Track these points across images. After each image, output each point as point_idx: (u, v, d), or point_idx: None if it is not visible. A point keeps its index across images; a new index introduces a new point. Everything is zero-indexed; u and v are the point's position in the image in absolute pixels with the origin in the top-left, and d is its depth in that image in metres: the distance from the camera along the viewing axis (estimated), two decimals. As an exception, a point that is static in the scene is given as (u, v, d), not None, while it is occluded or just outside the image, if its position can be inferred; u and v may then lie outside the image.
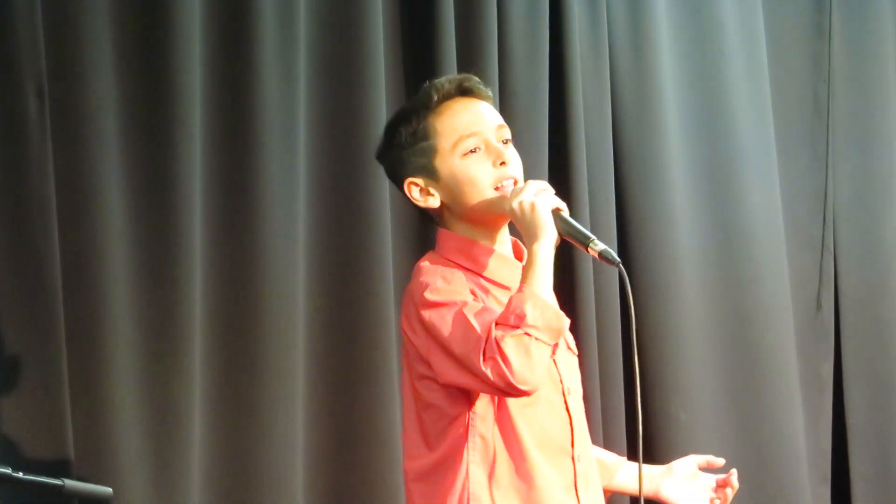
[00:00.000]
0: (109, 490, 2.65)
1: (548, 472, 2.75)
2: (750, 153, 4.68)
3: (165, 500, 3.49)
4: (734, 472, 2.98)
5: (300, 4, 3.79)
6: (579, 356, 2.93)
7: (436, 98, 2.81)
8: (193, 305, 3.55)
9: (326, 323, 3.81)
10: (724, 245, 4.62)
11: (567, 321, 2.75)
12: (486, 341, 2.61)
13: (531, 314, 2.62)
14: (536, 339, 2.61)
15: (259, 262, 3.68)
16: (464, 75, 2.88)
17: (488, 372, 2.60)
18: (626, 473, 3.01)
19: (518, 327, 2.61)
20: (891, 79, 4.97)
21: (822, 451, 4.79)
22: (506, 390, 2.63)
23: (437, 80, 2.84)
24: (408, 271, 3.95)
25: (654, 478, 2.98)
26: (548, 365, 2.71)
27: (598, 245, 2.70)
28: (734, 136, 4.66)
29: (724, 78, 4.66)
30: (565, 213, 2.72)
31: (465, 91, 2.84)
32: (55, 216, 3.36)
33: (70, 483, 2.60)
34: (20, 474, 2.55)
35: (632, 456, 2.98)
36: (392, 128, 2.86)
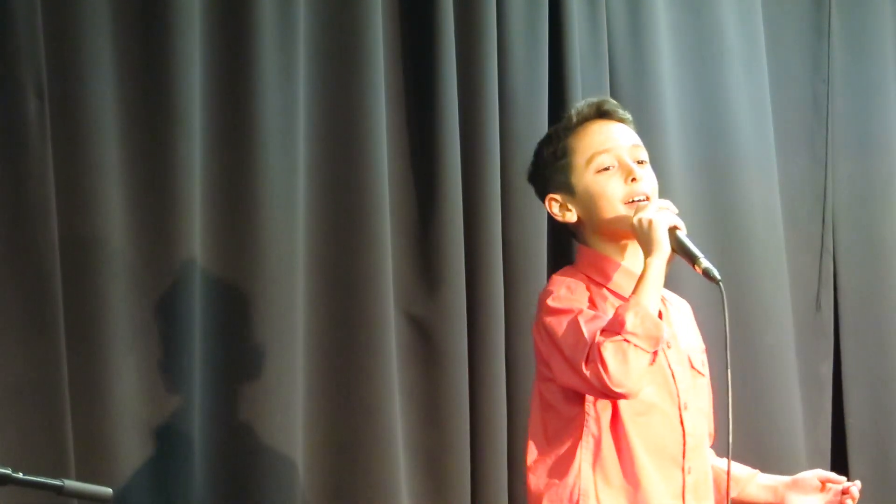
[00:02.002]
0: (109, 490, 2.65)
1: (655, 477, 2.93)
2: (749, 153, 4.68)
3: (165, 500, 3.50)
4: (857, 483, 3.14)
5: (300, 4, 3.79)
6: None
7: (575, 120, 3.03)
8: (193, 305, 3.55)
9: (326, 323, 3.81)
10: (723, 245, 4.62)
11: (697, 346, 3.01)
12: (591, 346, 2.81)
13: (631, 322, 2.80)
14: (635, 345, 2.79)
15: (259, 261, 3.68)
16: (603, 98, 3.11)
17: (589, 374, 2.80)
18: (755, 485, 3.20)
19: (619, 333, 2.79)
20: (891, 79, 4.96)
21: (821, 451, 4.78)
22: (604, 392, 2.83)
23: (578, 103, 3.08)
24: (407, 271, 3.98)
25: (779, 489, 3.18)
26: (663, 377, 2.94)
27: (704, 263, 2.91)
28: (734, 137, 4.66)
29: (724, 78, 4.66)
30: (682, 231, 2.93)
31: (602, 113, 3.05)
32: (55, 216, 3.36)
33: (70, 483, 2.60)
34: (20, 474, 2.54)
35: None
36: (538, 150, 3.08)
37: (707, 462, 3.06)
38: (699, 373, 3.07)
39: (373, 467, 3.80)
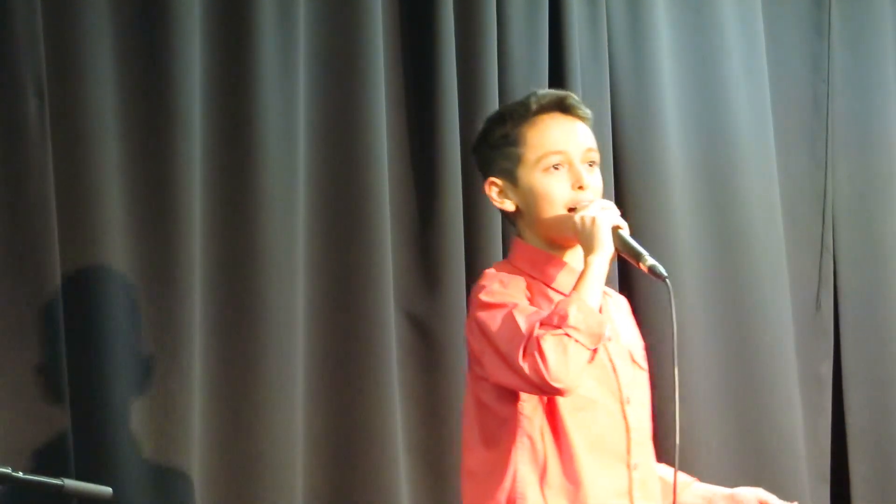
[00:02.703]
0: (109, 490, 2.65)
1: (598, 475, 2.83)
2: (749, 153, 4.68)
3: (165, 500, 3.50)
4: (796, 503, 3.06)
5: (300, 4, 3.79)
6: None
7: (534, 108, 2.90)
8: (193, 305, 3.55)
9: (326, 323, 3.81)
10: (723, 245, 4.62)
11: (636, 342, 2.90)
12: (528, 339, 2.70)
13: (574, 316, 2.70)
14: (576, 340, 2.70)
15: (259, 261, 3.68)
16: (567, 92, 2.98)
17: (525, 368, 2.69)
18: (690, 493, 3.06)
19: (559, 327, 2.70)
20: (891, 79, 4.96)
21: (821, 450, 4.79)
22: (541, 387, 2.71)
23: (540, 91, 2.95)
24: (407, 271, 3.98)
25: (715, 500, 3.06)
26: (604, 371, 2.84)
27: (649, 260, 2.81)
28: (734, 136, 4.66)
29: (724, 78, 4.66)
30: (624, 231, 2.84)
31: (564, 108, 2.92)
32: (55, 216, 3.36)
33: (70, 483, 2.60)
34: (20, 474, 2.54)
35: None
36: (488, 124, 2.96)
37: (653, 459, 2.96)
38: (640, 367, 2.97)
39: (373, 467, 3.80)
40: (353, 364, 3.82)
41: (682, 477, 3.06)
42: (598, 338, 2.73)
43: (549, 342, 2.68)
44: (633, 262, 2.84)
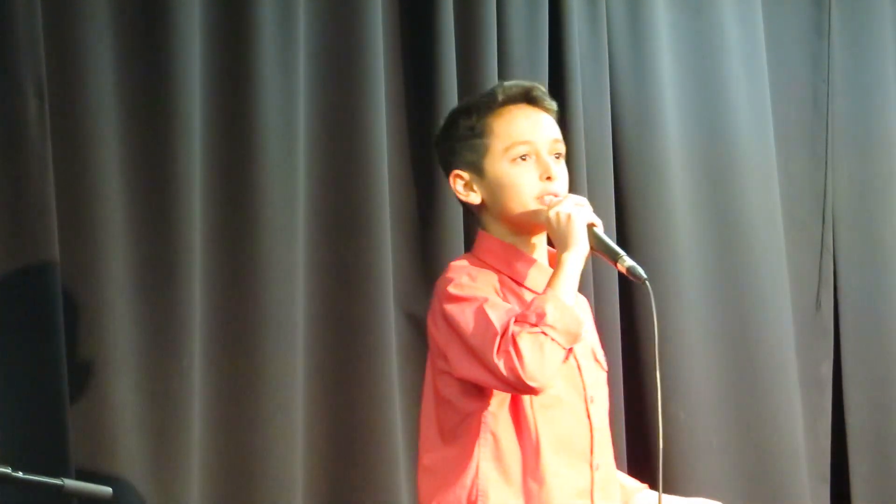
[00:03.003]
0: (109, 490, 2.65)
1: (562, 474, 2.80)
2: (750, 153, 4.69)
3: (165, 499, 3.50)
4: None
5: (300, 4, 3.79)
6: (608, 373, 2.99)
7: (500, 99, 2.88)
8: (193, 305, 3.55)
9: (326, 322, 3.81)
10: (723, 245, 4.62)
11: (596, 341, 2.87)
12: (503, 336, 2.66)
13: (551, 314, 2.67)
14: (552, 339, 2.67)
15: (259, 261, 3.68)
16: (533, 84, 2.95)
17: (500, 365, 2.65)
18: (643, 498, 3.02)
19: (536, 325, 2.66)
20: (891, 79, 4.97)
21: (821, 450, 4.79)
22: (515, 385, 2.67)
23: (506, 83, 2.93)
24: (407, 271, 3.98)
25: None
26: (569, 369, 2.80)
27: (627, 261, 2.76)
28: (734, 136, 4.66)
29: (724, 78, 4.66)
30: (599, 228, 2.80)
31: (530, 99, 2.90)
32: (55, 216, 3.36)
33: (70, 483, 2.60)
34: (20, 474, 2.54)
35: (647, 477, 3.00)
36: (452, 117, 2.93)
37: (613, 460, 2.94)
38: (602, 367, 2.95)
39: (373, 467, 3.80)
40: (353, 364, 3.82)
41: (633, 483, 3.05)
42: (574, 337, 2.71)
43: (526, 340, 2.65)
44: (609, 261, 2.80)
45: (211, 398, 3.60)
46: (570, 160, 4.22)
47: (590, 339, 2.93)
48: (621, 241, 4.37)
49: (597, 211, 4.26)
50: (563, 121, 4.23)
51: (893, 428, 4.87)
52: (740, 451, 4.55)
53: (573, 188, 4.17)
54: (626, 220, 4.42)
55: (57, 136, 3.39)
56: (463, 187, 2.88)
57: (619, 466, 3.08)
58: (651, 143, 4.48)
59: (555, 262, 2.86)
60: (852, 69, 4.93)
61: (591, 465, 2.84)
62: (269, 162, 3.71)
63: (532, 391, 2.69)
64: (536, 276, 2.85)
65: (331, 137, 3.85)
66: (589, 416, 2.85)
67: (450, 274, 2.83)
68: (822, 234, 4.86)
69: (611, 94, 4.40)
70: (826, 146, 4.88)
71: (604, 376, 2.95)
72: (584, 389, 2.85)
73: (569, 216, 2.76)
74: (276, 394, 3.67)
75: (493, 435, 2.79)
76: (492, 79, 4.06)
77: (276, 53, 3.73)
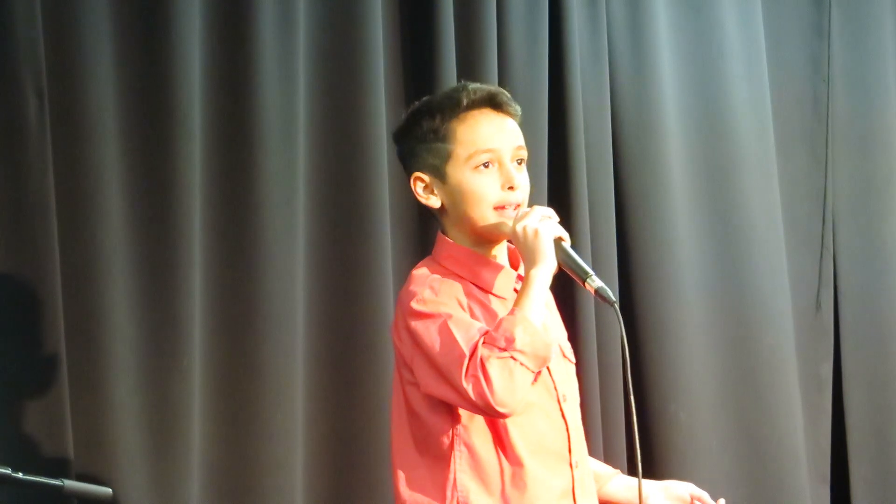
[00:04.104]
0: (109, 490, 2.65)
1: (544, 478, 2.77)
2: (749, 153, 4.69)
3: (165, 499, 3.50)
4: (722, 501, 2.97)
5: (300, 4, 3.79)
6: (577, 365, 2.95)
7: (465, 103, 2.82)
8: (193, 305, 3.55)
9: (326, 323, 3.81)
10: (723, 245, 4.62)
11: (563, 334, 2.81)
12: (471, 359, 2.63)
13: (520, 339, 2.64)
14: (522, 363, 2.63)
15: (259, 261, 3.68)
16: (498, 88, 2.89)
17: (469, 389, 2.62)
18: (618, 483, 3.01)
19: (506, 350, 2.63)
20: (891, 79, 4.97)
21: (821, 451, 4.79)
22: (484, 409, 2.64)
23: (471, 86, 2.85)
24: (408, 271, 3.95)
25: (646, 490, 2.96)
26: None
27: (596, 282, 2.72)
28: (734, 137, 4.66)
29: (724, 78, 4.66)
30: (567, 243, 2.74)
31: (495, 104, 2.84)
32: (55, 217, 3.36)
33: (70, 483, 2.61)
34: (20, 474, 2.55)
35: (632, 468, 2.98)
36: (415, 117, 2.87)
37: (587, 455, 2.90)
38: (570, 360, 2.91)
39: (373, 467, 3.80)
40: (353, 364, 3.82)
41: (605, 469, 3.04)
42: (543, 361, 2.68)
43: (495, 366, 2.61)
44: (577, 280, 2.76)
45: (211, 398, 3.60)
46: (569, 160, 4.25)
47: (555, 333, 2.86)
48: (621, 242, 4.37)
49: (596, 211, 4.33)
50: (563, 121, 4.26)
51: (894, 428, 4.87)
52: (740, 452, 4.55)
53: (574, 188, 4.22)
54: (626, 221, 4.42)
55: (57, 136, 3.39)
56: (423, 190, 2.84)
57: (608, 463, 3.10)
58: (651, 142, 4.48)
59: (515, 260, 2.85)
60: (852, 69, 4.93)
61: (570, 465, 2.81)
62: (269, 162, 3.70)
63: (500, 415, 2.66)
64: (500, 281, 2.82)
65: (331, 137, 3.85)
66: (563, 416, 2.82)
67: (412, 286, 2.78)
68: (822, 234, 4.86)
69: (611, 94, 4.40)
70: (826, 146, 4.88)
71: (572, 369, 2.92)
72: (556, 389, 2.82)
73: (536, 231, 2.71)
74: (276, 394, 3.67)
75: (468, 446, 2.75)
76: (492, 78, 4.06)
77: (276, 54, 3.73)
